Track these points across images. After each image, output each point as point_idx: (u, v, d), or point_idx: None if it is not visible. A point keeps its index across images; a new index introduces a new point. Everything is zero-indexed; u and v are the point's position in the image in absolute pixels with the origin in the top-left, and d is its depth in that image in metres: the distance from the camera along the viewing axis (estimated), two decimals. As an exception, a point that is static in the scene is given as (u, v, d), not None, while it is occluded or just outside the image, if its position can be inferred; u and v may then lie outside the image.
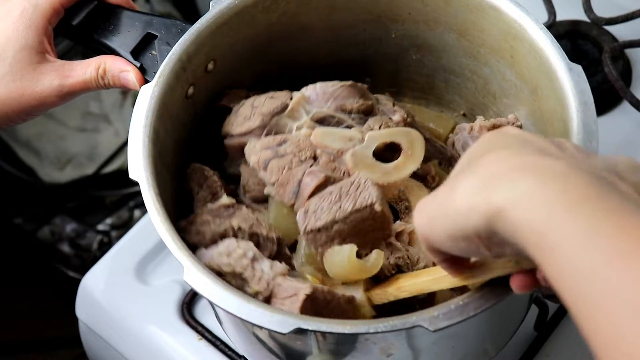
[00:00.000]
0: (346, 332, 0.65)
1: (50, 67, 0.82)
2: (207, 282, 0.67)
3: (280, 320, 0.65)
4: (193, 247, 0.74)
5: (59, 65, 0.82)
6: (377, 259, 0.75)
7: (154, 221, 0.71)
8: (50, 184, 1.55)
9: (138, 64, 0.81)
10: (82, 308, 0.99)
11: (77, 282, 1.00)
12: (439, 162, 0.87)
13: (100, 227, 1.56)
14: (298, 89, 0.86)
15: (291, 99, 0.84)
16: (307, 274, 0.77)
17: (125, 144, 1.58)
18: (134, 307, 0.96)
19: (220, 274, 0.72)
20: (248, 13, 0.83)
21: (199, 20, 0.81)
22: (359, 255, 0.75)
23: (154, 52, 0.82)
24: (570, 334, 0.91)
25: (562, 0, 1.06)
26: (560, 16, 1.06)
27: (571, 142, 0.59)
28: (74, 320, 1.01)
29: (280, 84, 0.91)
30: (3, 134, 1.54)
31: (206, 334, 0.93)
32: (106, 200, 1.58)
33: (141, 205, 1.57)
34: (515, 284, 0.62)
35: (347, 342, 0.70)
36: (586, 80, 0.74)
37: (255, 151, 0.81)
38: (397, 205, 0.81)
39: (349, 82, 0.85)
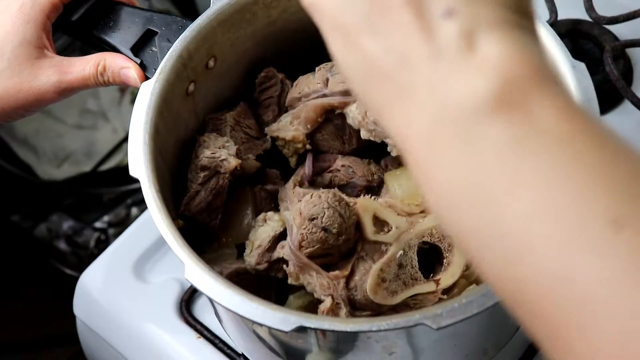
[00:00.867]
0: (348, 330, 0.64)
1: (48, 63, 0.81)
2: (208, 280, 0.67)
3: (282, 318, 0.64)
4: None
5: (58, 61, 0.82)
6: None
7: (155, 218, 0.70)
8: (48, 181, 1.55)
9: (138, 61, 0.81)
10: (80, 306, 0.98)
11: (74, 279, 1.00)
12: None
13: (98, 224, 1.56)
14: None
15: None
16: None
17: (123, 141, 1.58)
18: (132, 304, 0.96)
19: None
20: (249, 10, 0.83)
21: (199, 17, 0.80)
22: None
23: (154, 48, 0.82)
24: (571, 333, 0.90)
25: (563, -1, 1.05)
26: (562, 15, 1.05)
27: None
28: (71, 318, 1.01)
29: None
30: (0, 131, 1.53)
31: (205, 332, 0.93)
32: (103, 198, 1.57)
33: (139, 203, 1.57)
34: None
35: (349, 340, 0.69)
36: (589, 77, 0.73)
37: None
38: (441, 243, 0.79)
39: None
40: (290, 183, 0.84)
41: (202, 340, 0.93)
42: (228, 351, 0.92)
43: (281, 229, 0.80)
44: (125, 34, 0.83)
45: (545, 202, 0.41)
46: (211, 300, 0.81)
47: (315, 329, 0.66)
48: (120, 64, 0.81)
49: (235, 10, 0.82)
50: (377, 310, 0.76)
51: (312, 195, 0.77)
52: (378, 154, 0.86)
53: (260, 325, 0.66)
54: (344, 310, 0.75)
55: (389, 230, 0.77)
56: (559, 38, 0.76)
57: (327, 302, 0.75)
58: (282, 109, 0.88)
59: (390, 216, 0.78)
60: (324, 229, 0.75)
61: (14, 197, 1.56)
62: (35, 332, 1.48)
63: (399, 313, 0.70)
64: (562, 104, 0.42)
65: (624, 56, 1.06)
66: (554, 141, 0.41)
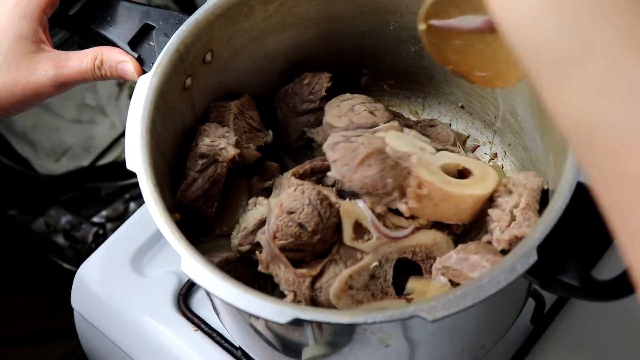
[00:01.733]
0: (344, 322, 0.65)
1: (45, 57, 0.82)
2: (205, 272, 0.67)
3: (278, 311, 0.65)
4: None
5: (55, 55, 0.82)
6: None
7: (152, 212, 0.70)
8: (46, 175, 1.55)
9: (136, 55, 0.81)
10: (78, 299, 0.99)
11: (71, 274, 1.00)
12: None
13: (96, 219, 1.56)
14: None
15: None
16: None
17: (121, 135, 1.58)
18: (130, 298, 0.96)
19: None
20: (246, 4, 0.83)
21: (196, 11, 0.81)
22: None
23: (151, 42, 0.82)
24: (567, 328, 0.91)
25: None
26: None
27: None
28: (69, 312, 1.01)
29: (278, 75, 0.92)
30: (-2, 126, 1.54)
31: (202, 326, 0.93)
32: (101, 192, 1.57)
33: (137, 198, 1.57)
34: None
35: (345, 332, 0.70)
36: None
37: (331, 137, 0.81)
38: (423, 263, 0.79)
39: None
40: (289, 172, 0.84)
41: (199, 333, 0.93)
42: (225, 344, 0.92)
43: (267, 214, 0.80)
44: (122, 28, 0.83)
45: None
46: (208, 293, 0.81)
47: (311, 321, 0.66)
48: (117, 58, 0.81)
49: (233, 5, 0.82)
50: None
51: (296, 188, 0.77)
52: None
53: (257, 317, 0.67)
54: None
55: (369, 239, 0.77)
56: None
57: (289, 298, 0.76)
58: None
59: (378, 223, 0.78)
60: (300, 225, 0.75)
61: (11, 191, 1.56)
62: (33, 325, 1.48)
63: None
64: None
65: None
66: None
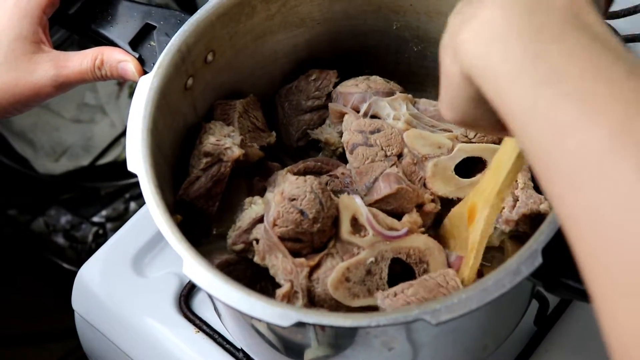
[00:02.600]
0: (347, 325, 0.64)
1: (45, 57, 0.81)
2: (207, 275, 0.67)
3: (281, 314, 0.64)
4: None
5: (55, 55, 0.81)
6: None
7: (153, 214, 0.70)
8: (45, 175, 1.54)
9: (137, 55, 0.81)
10: (79, 300, 0.98)
11: (71, 274, 1.00)
12: None
13: (96, 219, 1.55)
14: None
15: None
16: None
17: (121, 135, 1.57)
18: (131, 299, 0.95)
19: None
20: (248, 4, 0.83)
21: (198, 11, 0.80)
22: None
23: (152, 42, 0.81)
24: (571, 330, 0.90)
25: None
26: (561, 9, 1.05)
27: None
28: (69, 312, 1.00)
29: (279, 75, 0.91)
30: (-2, 125, 1.53)
31: (204, 327, 0.93)
32: (101, 192, 1.57)
33: (137, 197, 1.56)
34: None
35: (348, 335, 0.69)
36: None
37: (350, 130, 0.84)
38: (416, 267, 0.79)
39: None
40: (284, 170, 0.84)
41: (200, 335, 0.92)
42: (227, 346, 0.91)
43: (262, 212, 0.80)
44: (123, 28, 0.82)
45: None
46: (210, 296, 0.81)
47: (314, 325, 0.66)
48: (118, 58, 0.80)
49: (234, 4, 0.82)
50: (334, 308, 0.76)
51: (297, 177, 0.77)
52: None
53: (259, 320, 0.66)
54: (300, 301, 0.75)
55: (365, 235, 0.77)
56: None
57: (285, 287, 0.75)
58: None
59: (373, 220, 0.78)
60: (301, 212, 0.75)
61: (11, 191, 1.56)
62: (33, 326, 1.48)
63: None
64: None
65: (625, 51, 1.06)
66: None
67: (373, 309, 0.75)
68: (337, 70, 0.90)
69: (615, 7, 1.03)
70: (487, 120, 0.58)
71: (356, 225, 0.78)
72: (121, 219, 1.55)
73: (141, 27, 0.82)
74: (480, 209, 0.75)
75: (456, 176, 0.84)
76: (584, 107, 0.47)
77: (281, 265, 0.76)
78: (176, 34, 0.79)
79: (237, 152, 0.80)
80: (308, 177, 0.78)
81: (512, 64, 0.50)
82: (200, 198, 0.81)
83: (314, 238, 0.77)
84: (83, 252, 1.52)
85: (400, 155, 0.84)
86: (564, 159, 0.48)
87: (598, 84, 0.47)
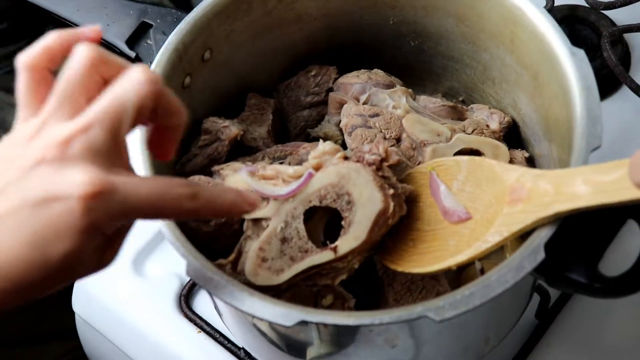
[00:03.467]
0: (350, 323, 0.64)
1: None
2: (210, 276, 0.66)
3: (283, 313, 0.64)
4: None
5: None
6: None
7: (154, 214, 0.69)
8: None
9: (133, 54, 0.80)
10: (79, 302, 0.98)
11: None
12: None
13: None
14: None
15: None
16: None
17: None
18: (132, 300, 0.95)
19: None
20: (245, 1, 0.82)
21: (195, 9, 0.79)
22: None
23: (149, 41, 0.81)
24: (572, 322, 0.90)
25: (559, -16, 1.05)
26: (558, 1, 1.05)
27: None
28: (69, 313, 1.00)
29: (277, 72, 0.91)
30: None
31: (205, 327, 0.92)
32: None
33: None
34: None
35: (350, 333, 0.69)
36: (589, 64, 0.73)
37: (349, 114, 0.83)
38: (336, 203, 0.72)
39: (451, 103, 0.87)
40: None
41: (202, 335, 0.92)
42: (228, 345, 0.91)
43: None
44: (119, 26, 0.82)
45: None
46: (211, 295, 0.80)
47: (316, 323, 0.65)
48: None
49: (231, 2, 0.81)
50: (275, 290, 0.71)
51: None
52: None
53: (262, 320, 0.66)
54: None
55: (267, 205, 0.72)
56: (557, 25, 0.76)
57: None
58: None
59: (264, 187, 0.73)
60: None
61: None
62: (32, 327, 1.47)
63: (298, 292, 0.71)
64: None
65: (622, 41, 1.05)
66: None
67: (304, 272, 0.72)
68: (334, 65, 0.90)
69: (611, -2, 1.03)
70: None
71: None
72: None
73: (137, 26, 0.81)
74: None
75: None
76: None
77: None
78: (173, 32, 0.78)
79: (235, 130, 0.80)
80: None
81: None
82: (195, 174, 0.80)
83: (223, 232, 0.75)
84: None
85: (398, 140, 0.83)
86: None
87: None
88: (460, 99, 0.93)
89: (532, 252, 0.65)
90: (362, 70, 0.89)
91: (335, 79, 0.89)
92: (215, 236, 0.76)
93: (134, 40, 0.81)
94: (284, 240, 0.72)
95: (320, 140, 0.76)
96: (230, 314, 0.80)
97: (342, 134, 0.86)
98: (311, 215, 0.73)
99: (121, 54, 0.81)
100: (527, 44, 0.78)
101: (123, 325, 0.94)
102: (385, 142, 0.75)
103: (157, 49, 0.78)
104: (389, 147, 0.75)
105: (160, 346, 0.92)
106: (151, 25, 0.81)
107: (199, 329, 0.92)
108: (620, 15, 1.06)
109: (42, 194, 0.52)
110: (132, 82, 0.55)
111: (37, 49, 0.58)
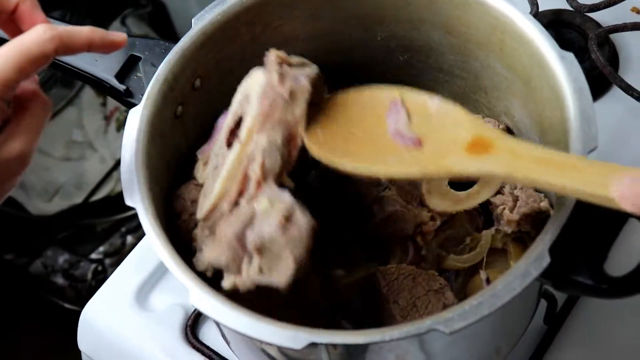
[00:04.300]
0: (360, 342, 0.64)
1: None
2: (215, 303, 0.66)
3: (292, 336, 0.63)
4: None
5: None
6: None
7: (155, 245, 0.69)
8: (39, 216, 1.54)
9: (124, 88, 0.80)
10: (84, 340, 0.97)
11: (73, 313, 0.99)
12: None
13: (94, 255, 1.55)
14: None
15: None
16: None
17: (112, 170, 1.57)
18: (138, 334, 0.94)
19: None
20: (231, 27, 0.82)
21: (182, 38, 0.80)
22: None
23: (139, 74, 0.81)
24: (581, 325, 0.90)
25: (543, -10, 1.05)
26: (543, 6, 1.06)
27: None
28: (74, 352, 0.99)
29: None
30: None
31: (213, 356, 0.92)
32: (97, 228, 1.56)
33: (134, 231, 1.56)
34: None
35: (361, 352, 0.69)
36: (579, 67, 0.73)
37: None
38: None
39: None
40: None
41: (211, 364, 0.92)
42: (238, 373, 0.90)
43: None
44: (108, 61, 0.82)
45: None
46: (217, 323, 0.80)
47: (326, 344, 0.65)
48: None
49: (218, 29, 0.81)
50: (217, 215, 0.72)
51: None
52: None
53: (271, 345, 0.65)
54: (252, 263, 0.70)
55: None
56: (544, 30, 0.76)
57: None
58: None
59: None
60: None
61: (6, 235, 1.55)
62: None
63: None
64: None
65: (609, 42, 1.06)
66: None
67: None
68: (325, 84, 0.90)
69: (594, 0, 1.03)
70: None
71: None
72: (119, 253, 1.54)
73: (126, 60, 0.81)
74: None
75: (452, 190, 0.83)
76: None
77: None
78: (162, 63, 0.78)
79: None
80: None
81: None
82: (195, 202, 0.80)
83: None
84: (83, 290, 1.51)
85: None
86: None
87: None
88: (453, 110, 0.93)
89: (537, 258, 0.65)
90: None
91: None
92: None
93: (123, 73, 0.81)
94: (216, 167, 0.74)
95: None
96: (238, 341, 0.80)
97: None
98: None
99: (112, 88, 0.81)
100: (516, 50, 0.78)
101: (131, 361, 0.94)
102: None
103: (147, 81, 0.78)
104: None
105: (169, 379, 0.92)
106: (140, 58, 0.81)
107: (207, 359, 0.92)
108: (605, 17, 1.06)
109: None
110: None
111: None
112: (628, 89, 0.97)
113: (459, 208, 0.83)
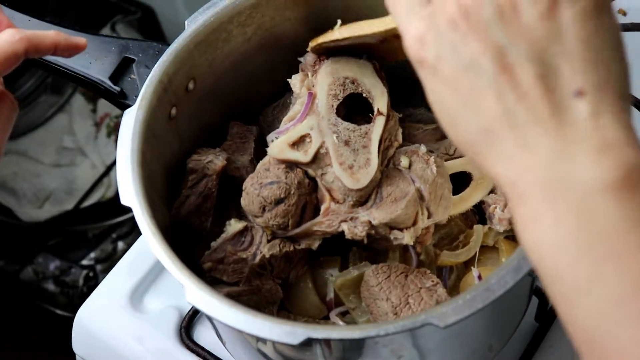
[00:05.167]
0: (356, 337, 0.64)
1: None
2: (211, 301, 0.67)
3: (289, 332, 0.64)
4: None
5: None
6: None
7: (151, 243, 0.70)
8: (30, 222, 1.54)
9: (118, 89, 0.81)
10: (79, 343, 0.97)
11: (65, 319, 0.99)
12: None
13: (85, 262, 1.55)
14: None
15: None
16: None
17: (103, 175, 1.57)
18: (132, 336, 0.95)
19: None
20: (224, 29, 0.83)
21: (176, 40, 0.80)
22: None
23: (133, 76, 0.81)
24: (572, 321, 0.91)
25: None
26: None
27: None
28: (67, 358, 0.99)
29: (261, 97, 0.91)
30: (-23, 177, 1.52)
31: (207, 357, 0.92)
32: (88, 234, 1.56)
33: (124, 237, 1.56)
34: None
35: (356, 347, 0.69)
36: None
37: None
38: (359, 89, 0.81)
39: (434, 125, 0.88)
40: None
41: (206, 365, 0.92)
42: (233, 373, 0.91)
43: (235, 232, 0.81)
44: (102, 64, 0.82)
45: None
46: (213, 322, 0.81)
47: (322, 340, 0.65)
48: None
49: (211, 31, 0.82)
50: (373, 185, 0.77)
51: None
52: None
53: (267, 341, 0.66)
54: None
55: (310, 140, 0.78)
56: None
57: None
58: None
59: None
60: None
61: (-4, 242, 1.55)
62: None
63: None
64: None
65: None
66: None
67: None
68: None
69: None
70: None
71: (299, 145, 0.79)
72: (110, 259, 1.54)
73: (120, 61, 0.82)
74: None
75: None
76: None
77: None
78: (156, 65, 0.79)
79: (219, 163, 0.81)
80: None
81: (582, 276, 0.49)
82: (192, 215, 0.81)
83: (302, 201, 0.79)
84: (75, 296, 1.51)
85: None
86: None
87: None
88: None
89: (530, 252, 0.65)
90: None
91: None
92: None
93: (117, 75, 0.81)
94: (346, 142, 0.77)
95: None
96: (234, 340, 0.80)
97: None
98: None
99: (106, 90, 0.81)
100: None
101: (126, 362, 0.94)
102: None
103: (141, 83, 0.78)
104: None
105: (164, 380, 0.92)
106: (134, 60, 0.82)
107: (202, 359, 0.92)
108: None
109: None
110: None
111: None
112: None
113: (452, 212, 0.83)
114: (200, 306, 0.67)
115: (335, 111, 0.79)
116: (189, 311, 0.94)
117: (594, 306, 0.48)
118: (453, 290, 0.84)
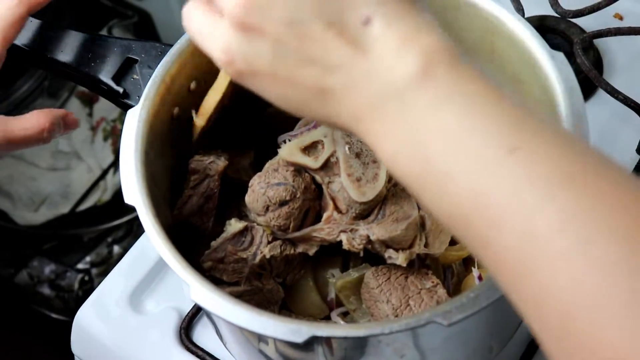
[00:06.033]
0: (361, 335, 0.65)
1: None
2: (216, 299, 0.67)
3: (294, 329, 0.64)
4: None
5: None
6: None
7: (155, 242, 0.70)
8: (25, 226, 1.53)
9: (121, 90, 0.81)
10: (78, 344, 0.97)
11: (61, 323, 0.99)
12: None
13: (80, 266, 1.54)
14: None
15: None
16: None
17: (99, 179, 1.57)
18: (131, 338, 0.94)
19: None
20: (226, 30, 0.83)
21: (178, 41, 0.80)
22: None
23: (135, 76, 0.82)
24: (572, 323, 0.91)
25: (528, -4, 1.07)
26: (528, 12, 1.07)
27: None
28: (67, 357, 0.99)
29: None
30: (-27, 180, 1.52)
31: (207, 358, 0.92)
32: (84, 238, 1.56)
33: (120, 240, 1.56)
34: None
35: (360, 346, 0.69)
36: (569, 66, 0.75)
37: None
38: None
39: None
40: None
41: (206, 366, 0.92)
42: (233, 374, 0.91)
43: (234, 232, 0.80)
44: (104, 64, 0.83)
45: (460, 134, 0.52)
46: (214, 322, 0.81)
47: (327, 337, 0.66)
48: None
49: (213, 32, 0.82)
50: (378, 200, 0.77)
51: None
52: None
53: (270, 339, 0.66)
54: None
55: (322, 147, 0.79)
56: (534, 30, 0.77)
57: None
58: None
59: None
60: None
61: (-9, 245, 1.54)
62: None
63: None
64: (472, 72, 0.54)
65: (593, 47, 1.08)
66: (469, 97, 0.52)
67: None
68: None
69: (579, 5, 1.05)
70: None
71: (310, 150, 0.80)
72: (106, 263, 1.54)
73: (123, 62, 0.82)
74: None
75: None
76: None
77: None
78: (159, 65, 0.79)
79: (221, 164, 0.81)
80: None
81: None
82: (194, 215, 0.81)
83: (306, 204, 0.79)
84: (70, 300, 1.50)
85: None
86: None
87: None
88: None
89: (533, 251, 0.66)
90: None
91: None
92: None
93: (120, 76, 0.82)
94: (357, 155, 0.77)
95: None
96: (235, 341, 0.80)
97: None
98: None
99: (109, 90, 0.81)
100: (507, 51, 0.80)
101: (125, 364, 0.94)
102: None
103: (144, 83, 0.79)
104: None
105: (164, 381, 0.92)
106: (136, 61, 0.82)
107: (202, 361, 0.92)
108: (589, 22, 1.08)
109: None
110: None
111: None
112: (613, 92, 0.99)
113: (452, 255, 0.84)
114: (205, 304, 0.67)
115: None
116: (189, 312, 0.94)
117: (459, 184, 0.52)
118: (454, 294, 0.84)
